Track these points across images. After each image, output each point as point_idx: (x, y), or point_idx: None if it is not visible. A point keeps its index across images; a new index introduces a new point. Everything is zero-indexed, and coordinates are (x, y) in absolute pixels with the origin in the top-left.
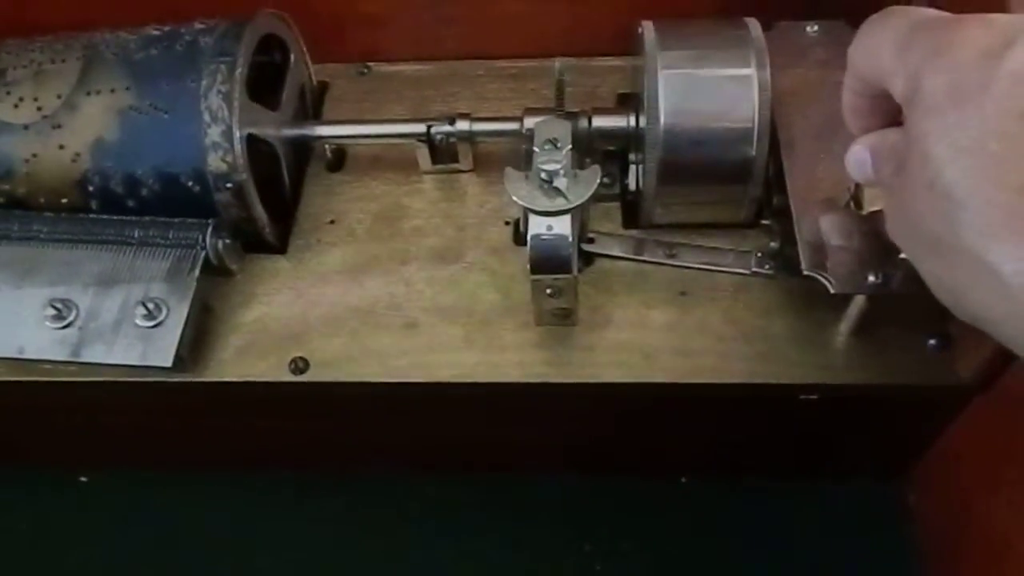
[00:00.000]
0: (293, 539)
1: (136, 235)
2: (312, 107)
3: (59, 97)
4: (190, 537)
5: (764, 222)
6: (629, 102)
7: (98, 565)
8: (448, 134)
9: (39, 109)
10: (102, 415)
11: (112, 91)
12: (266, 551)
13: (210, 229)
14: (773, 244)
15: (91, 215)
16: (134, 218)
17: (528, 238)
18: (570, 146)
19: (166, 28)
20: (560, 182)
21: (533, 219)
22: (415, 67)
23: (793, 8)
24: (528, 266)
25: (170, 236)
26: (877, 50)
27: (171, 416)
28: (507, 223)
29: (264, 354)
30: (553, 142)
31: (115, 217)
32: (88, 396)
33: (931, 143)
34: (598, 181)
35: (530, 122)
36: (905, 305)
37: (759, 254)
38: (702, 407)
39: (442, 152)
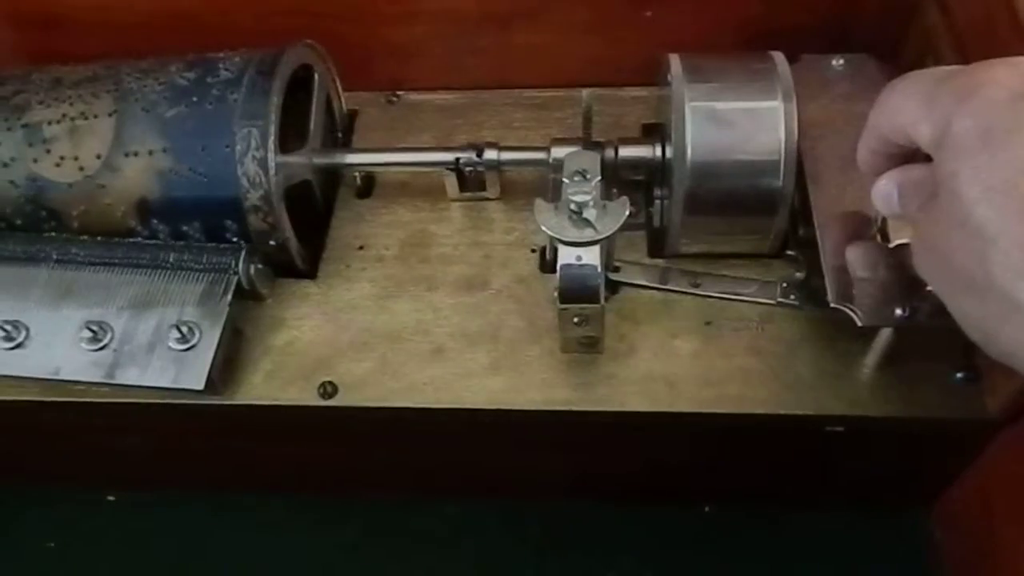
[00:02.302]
0: (315, 561)
1: (171, 259)
2: (342, 134)
3: (98, 157)
4: (213, 558)
5: (789, 252)
6: (654, 132)
7: None
8: (476, 163)
9: (81, 169)
10: (131, 435)
11: (150, 152)
12: (288, 573)
13: (243, 255)
14: (798, 274)
15: (128, 240)
16: (169, 242)
17: (558, 268)
18: (599, 178)
19: (192, 74)
20: (589, 213)
21: (563, 249)
22: (443, 96)
23: (818, 42)
24: (555, 294)
25: (204, 261)
26: (902, 106)
27: (199, 437)
28: (533, 251)
29: (293, 378)
30: (582, 173)
31: (150, 242)
32: (119, 417)
33: (961, 183)
34: (627, 213)
35: (557, 152)
36: (932, 338)
37: (784, 284)
38: (726, 437)
39: (470, 180)
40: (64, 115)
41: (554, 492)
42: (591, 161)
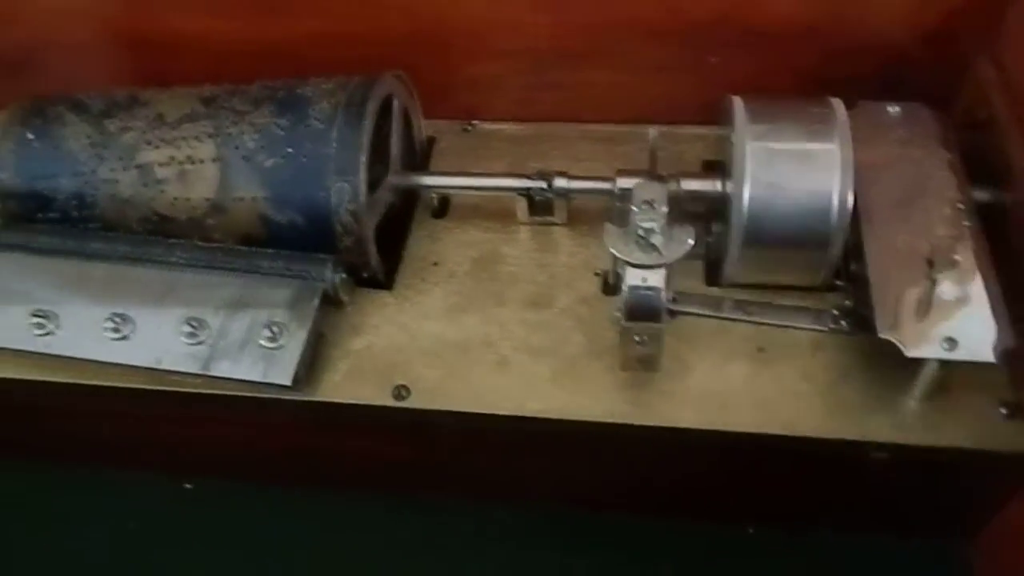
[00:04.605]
0: (374, 554)
1: (264, 265)
2: (421, 157)
3: (207, 200)
4: (282, 547)
5: (839, 283)
6: (715, 169)
7: (194, 569)
8: (546, 190)
9: (193, 208)
10: (215, 426)
11: (252, 199)
12: (351, 564)
13: (330, 266)
14: (847, 303)
15: (226, 246)
16: (263, 250)
17: (625, 288)
18: (666, 207)
19: (285, 121)
20: (656, 239)
21: (630, 271)
22: (514, 126)
23: (873, 89)
24: (618, 314)
25: (294, 268)
26: None
27: (278, 431)
28: (596, 274)
29: (370, 380)
30: (650, 203)
31: (245, 248)
32: (207, 408)
33: None
34: (691, 241)
35: (622, 183)
36: (977, 372)
37: (835, 312)
38: (774, 458)
39: (539, 205)
40: (172, 158)
41: (601, 503)
42: (659, 191)
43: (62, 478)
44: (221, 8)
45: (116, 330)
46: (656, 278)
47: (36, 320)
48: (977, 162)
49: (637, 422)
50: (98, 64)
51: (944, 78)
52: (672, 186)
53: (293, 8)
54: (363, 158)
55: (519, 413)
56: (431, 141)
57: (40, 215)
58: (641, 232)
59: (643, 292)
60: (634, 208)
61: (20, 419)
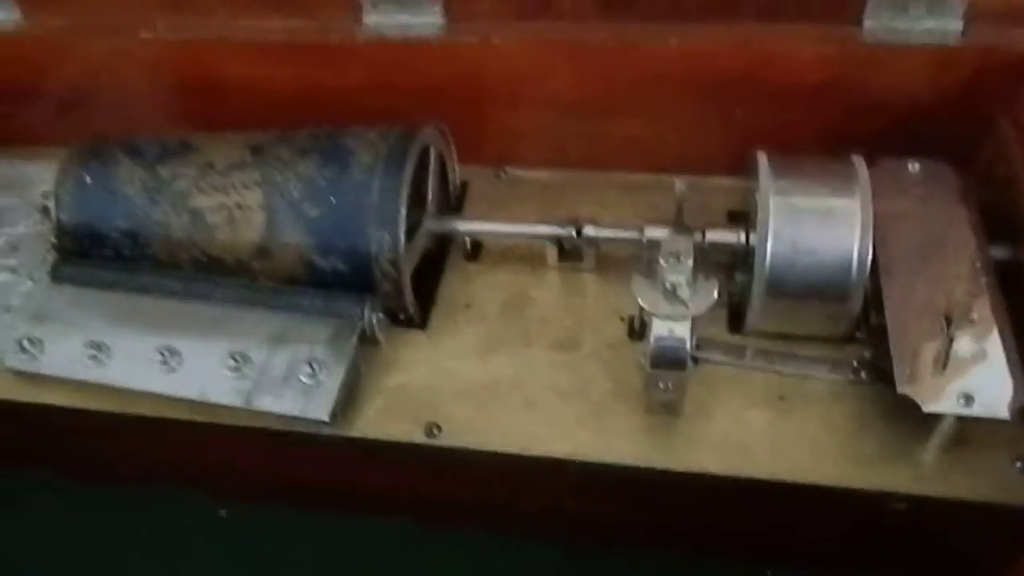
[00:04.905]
0: None
1: (304, 304)
2: (455, 201)
3: (255, 244)
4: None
5: (858, 335)
6: (739, 219)
7: None
8: (576, 238)
9: (240, 251)
10: (252, 456)
11: (297, 245)
12: None
13: (368, 306)
14: (866, 355)
15: (268, 284)
16: (303, 288)
17: (651, 338)
18: (692, 260)
19: (328, 172)
20: (683, 292)
21: (657, 322)
22: (545, 173)
23: (894, 145)
24: (643, 360)
25: (333, 307)
26: None
27: (313, 463)
28: (622, 319)
29: (403, 417)
30: (677, 256)
31: (287, 287)
32: (247, 438)
33: None
34: (716, 295)
35: (649, 232)
36: (994, 427)
37: (854, 363)
38: (793, 504)
39: (568, 251)
40: (222, 204)
41: (622, 540)
42: (686, 245)
43: (105, 498)
44: (272, 57)
45: (164, 362)
46: (682, 329)
47: (90, 351)
48: (996, 219)
49: (661, 466)
50: (148, 105)
51: (965, 136)
52: (697, 237)
53: (339, 59)
54: (403, 210)
55: (547, 455)
56: (464, 186)
57: (94, 252)
58: (668, 285)
59: (669, 343)
60: (662, 261)
61: (66, 442)
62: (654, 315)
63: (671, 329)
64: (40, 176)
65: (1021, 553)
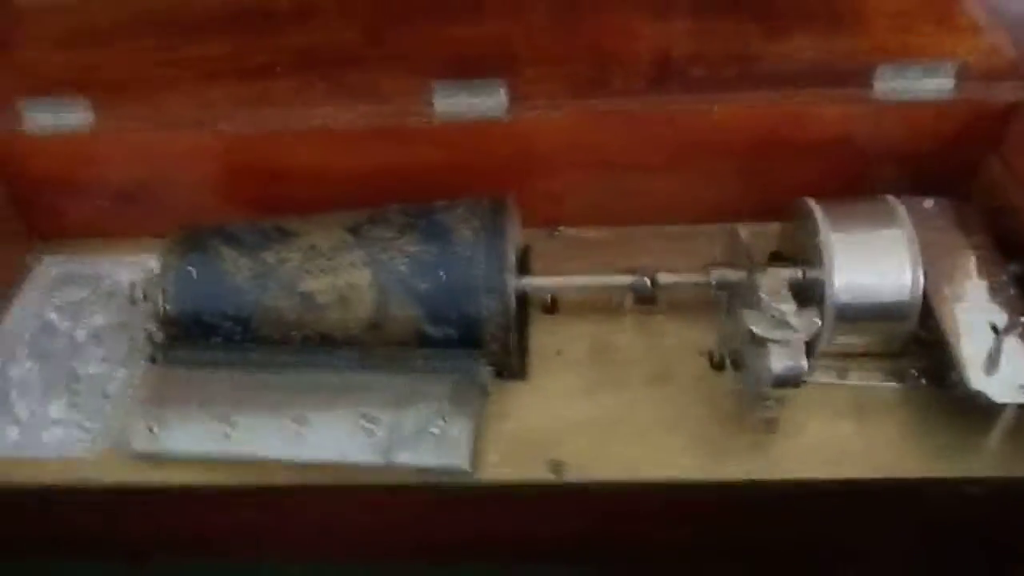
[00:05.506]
0: None
1: (421, 364)
2: (522, 262)
3: (367, 320)
4: None
5: (912, 347)
6: (779, 259)
7: None
8: (650, 285)
9: (352, 327)
10: (385, 512)
11: (407, 317)
12: None
13: (482, 361)
14: (920, 364)
15: (383, 349)
16: (419, 351)
17: (771, 361)
18: (789, 291)
19: (434, 248)
20: (791, 319)
21: (774, 347)
22: (593, 231)
23: (902, 187)
24: (740, 385)
25: (449, 365)
26: None
27: (443, 511)
28: (701, 354)
29: (525, 459)
30: (776, 290)
31: (402, 350)
32: (386, 496)
33: None
34: (818, 321)
35: (715, 275)
36: None
37: (914, 372)
38: (885, 501)
39: (641, 298)
40: (332, 285)
41: (722, 559)
42: (783, 280)
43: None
44: (345, 142)
45: (297, 431)
46: (797, 351)
47: (220, 427)
48: (1005, 242)
49: (772, 477)
50: (216, 194)
51: (960, 174)
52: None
53: (413, 141)
54: (509, 278)
55: (673, 478)
56: (527, 247)
57: (202, 337)
58: (776, 314)
59: (789, 363)
60: (763, 295)
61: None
62: (770, 340)
63: (788, 352)
64: (107, 268)
65: None
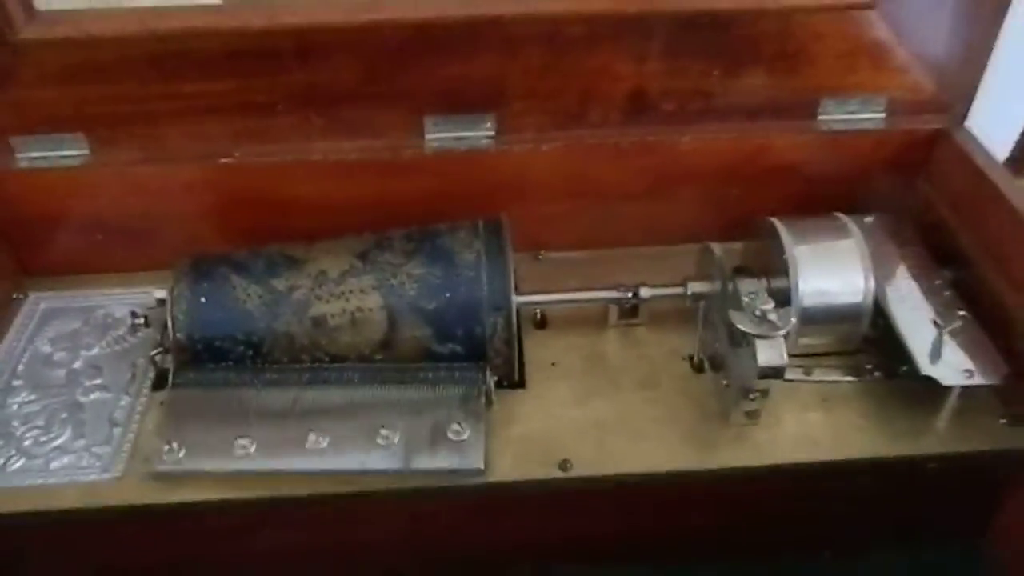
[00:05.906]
0: None
1: (429, 376)
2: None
3: (377, 341)
4: None
5: (861, 348)
6: (744, 272)
7: None
8: (634, 298)
9: (363, 348)
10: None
11: (415, 337)
12: None
13: (487, 371)
14: (874, 361)
15: (392, 364)
16: (427, 364)
17: (758, 355)
18: (766, 293)
19: (439, 270)
20: (772, 316)
21: (761, 343)
22: (575, 253)
23: (846, 206)
24: (725, 382)
25: (456, 376)
26: None
27: (458, 516)
28: (683, 359)
29: (535, 459)
30: (755, 292)
31: (411, 365)
32: (408, 503)
33: None
34: (792, 318)
35: (692, 287)
36: (976, 397)
37: (869, 367)
38: (855, 480)
39: (625, 311)
40: (343, 309)
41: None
42: (757, 284)
43: None
44: (344, 174)
45: (316, 444)
46: (779, 345)
47: (238, 443)
48: (936, 250)
49: (764, 463)
50: (216, 225)
51: (896, 195)
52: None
53: (408, 171)
54: (512, 296)
55: (673, 469)
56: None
57: (213, 361)
58: (759, 313)
59: (773, 355)
60: (745, 298)
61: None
62: (756, 336)
63: (773, 346)
64: (98, 300)
65: (1009, 497)
